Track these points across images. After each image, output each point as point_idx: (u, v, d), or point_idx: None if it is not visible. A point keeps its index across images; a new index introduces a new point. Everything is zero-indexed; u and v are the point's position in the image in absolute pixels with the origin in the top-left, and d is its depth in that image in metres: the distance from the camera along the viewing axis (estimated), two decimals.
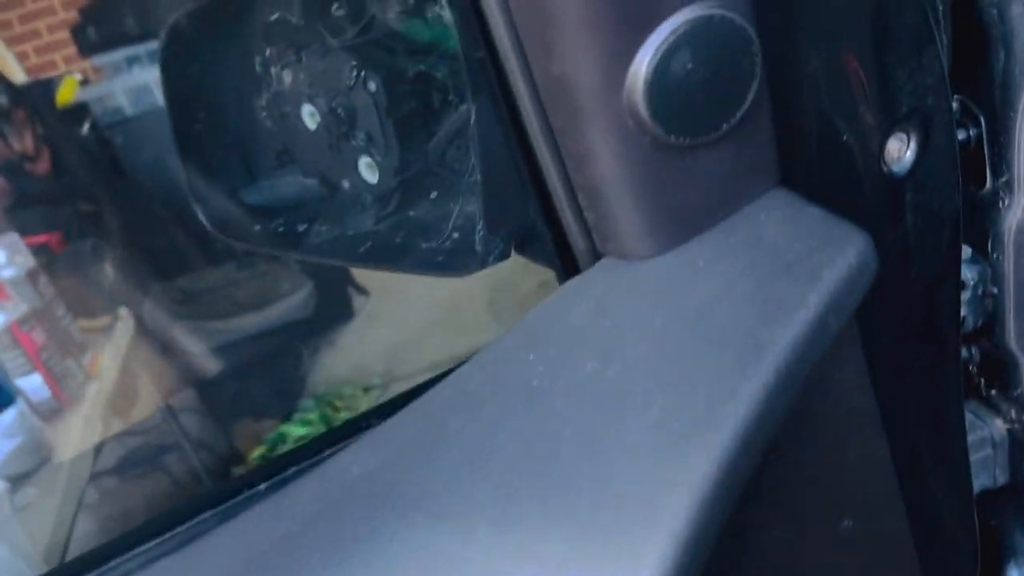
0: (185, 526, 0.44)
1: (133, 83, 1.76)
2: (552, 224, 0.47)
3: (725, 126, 0.39)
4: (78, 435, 1.13)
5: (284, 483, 0.42)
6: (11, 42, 1.90)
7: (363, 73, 0.58)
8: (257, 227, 0.65)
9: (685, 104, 0.38)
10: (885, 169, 0.49)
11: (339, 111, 0.58)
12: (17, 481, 1.03)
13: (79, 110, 1.63)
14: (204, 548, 0.40)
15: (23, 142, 1.51)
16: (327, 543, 0.39)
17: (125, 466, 1.16)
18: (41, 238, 1.23)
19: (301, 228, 0.65)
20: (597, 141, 0.40)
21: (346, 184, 0.62)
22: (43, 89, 1.69)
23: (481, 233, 0.53)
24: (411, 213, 0.59)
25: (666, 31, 0.37)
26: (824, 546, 0.48)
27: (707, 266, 0.42)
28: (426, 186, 0.58)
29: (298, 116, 0.61)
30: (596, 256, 0.46)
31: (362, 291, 1.78)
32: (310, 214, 0.65)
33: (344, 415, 1.58)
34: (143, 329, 1.29)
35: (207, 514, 0.44)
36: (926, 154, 0.49)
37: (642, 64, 0.37)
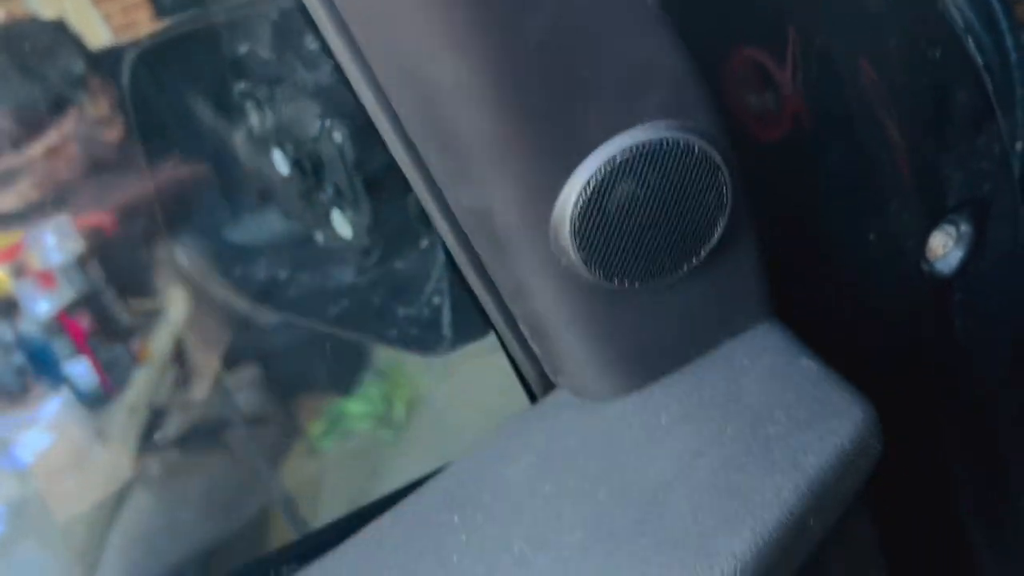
0: None
1: None
2: (504, 349, 0.39)
3: (686, 266, 0.31)
4: (124, 422, 1.14)
5: None
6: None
7: (328, 123, 0.50)
8: (238, 268, 0.59)
9: (628, 246, 0.29)
10: (925, 268, 0.39)
11: (304, 162, 0.52)
12: (55, 475, 1.04)
13: None
14: None
15: (98, 108, 1.50)
16: None
17: (175, 454, 1.16)
18: (94, 219, 1.22)
19: (283, 276, 0.59)
20: (527, 279, 0.32)
21: (320, 237, 0.55)
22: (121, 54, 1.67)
23: (449, 319, 0.46)
24: (389, 274, 0.52)
25: (599, 161, 0.28)
26: None
27: (669, 426, 0.34)
28: (405, 247, 0.51)
29: (270, 160, 0.55)
30: (549, 383, 0.38)
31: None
32: (291, 261, 0.59)
33: (404, 392, 1.55)
34: (197, 312, 1.28)
35: None
36: (981, 250, 0.39)
37: (568, 201, 0.28)
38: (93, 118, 1.45)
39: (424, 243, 0.49)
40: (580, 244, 0.29)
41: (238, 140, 0.55)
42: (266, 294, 0.55)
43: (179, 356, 1.24)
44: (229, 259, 0.57)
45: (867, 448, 0.32)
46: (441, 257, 0.46)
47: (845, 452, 0.32)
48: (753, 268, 0.33)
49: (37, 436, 1.08)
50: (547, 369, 0.36)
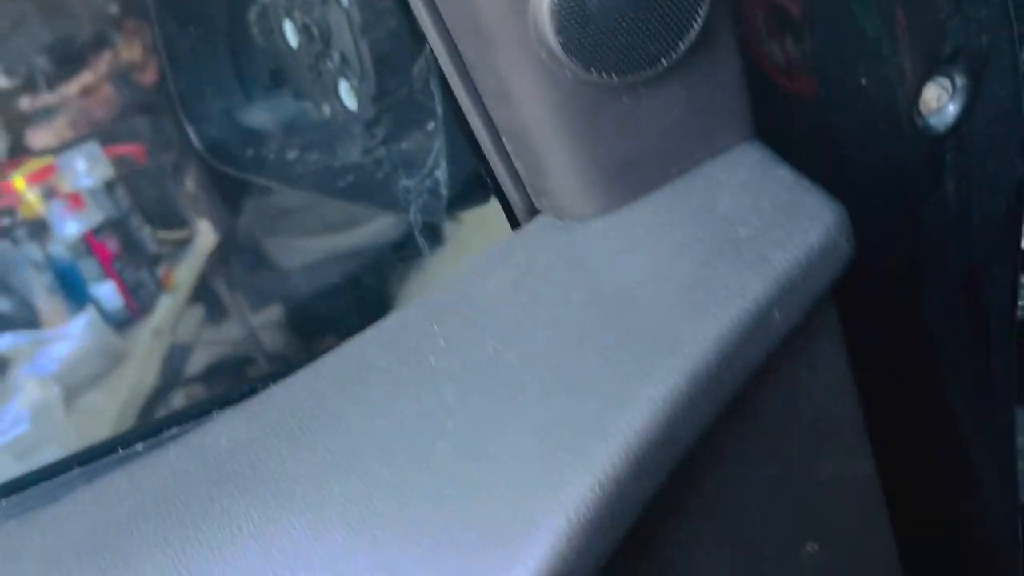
0: (53, 482, 0.41)
1: None
2: (490, 175, 0.40)
3: (664, 61, 0.31)
4: (148, 345, 1.16)
5: (161, 445, 0.38)
6: None
7: None
8: (249, 152, 0.61)
9: (605, 33, 0.30)
10: (919, 122, 0.39)
11: (313, 29, 0.52)
12: (79, 387, 1.06)
13: None
14: (55, 513, 0.36)
15: (132, 51, 1.53)
16: (170, 523, 0.34)
17: (195, 379, 1.18)
18: (125, 148, 1.24)
19: (291, 155, 0.60)
20: (510, 77, 0.32)
21: (327, 109, 0.56)
22: None
23: (446, 175, 0.47)
24: (394, 146, 0.53)
25: None
26: (783, 572, 0.39)
27: (646, 236, 0.34)
28: (409, 117, 0.52)
29: (281, 33, 0.56)
30: (534, 212, 0.38)
31: (455, 219, 1.73)
32: (299, 141, 0.60)
33: None
34: (223, 245, 1.30)
35: (75, 472, 0.41)
36: (976, 105, 0.38)
37: None
38: (127, 60, 1.48)
39: (428, 122, 0.50)
40: (558, 28, 0.29)
41: (251, 15, 0.56)
42: (277, 172, 0.56)
43: (204, 289, 1.26)
44: (242, 141, 0.58)
45: (836, 247, 0.32)
46: (443, 128, 0.47)
47: (813, 250, 0.32)
48: (733, 81, 0.33)
49: (62, 348, 1.10)
50: (530, 191, 0.37)
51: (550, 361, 0.33)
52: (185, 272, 1.22)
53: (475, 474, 0.31)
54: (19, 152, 1.18)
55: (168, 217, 1.28)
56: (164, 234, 1.25)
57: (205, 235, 1.28)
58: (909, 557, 0.44)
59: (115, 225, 1.18)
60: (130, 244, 1.21)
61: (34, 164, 1.18)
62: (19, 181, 1.16)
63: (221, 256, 1.31)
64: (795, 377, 0.36)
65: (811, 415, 0.37)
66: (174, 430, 0.42)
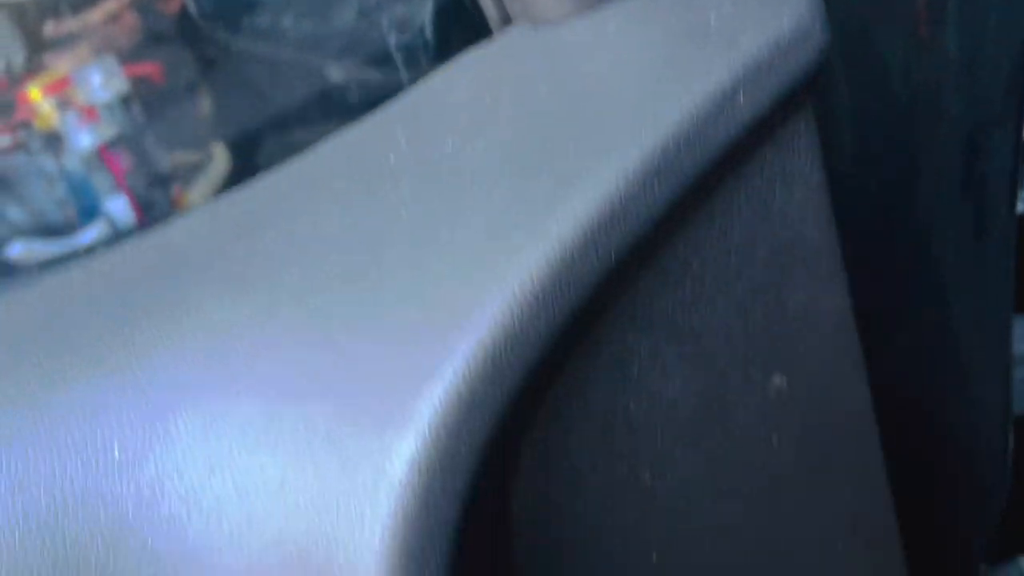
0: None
1: None
2: None
3: None
4: None
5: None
6: None
7: None
8: (244, 20, 0.60)
9: None
10: None
11: None
12: None
13: None
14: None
15: None
16: (124, 312, 0.34)
17: None
18: (143, 67, 1.24)
19: (286, 23, 0.60)
20: None
21: None
22: None
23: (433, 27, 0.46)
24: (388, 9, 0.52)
25: None
26: (749, 403, 0.38)
27: (618, 31, 0.33)
28: None
29: None
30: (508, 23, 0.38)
31: None
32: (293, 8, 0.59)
33: None
34: (237, 171, 1.30)
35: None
36: None
37: None
38: None
39: None
40: None
41: None
42: (272, 39, 0.55)
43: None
44: (241, 8, 0.57)
45: (809, 34, 0.31)
46: None
47: (783, 34, 0.31)
48: None
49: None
50: None
51: (510, 151, 0.32)
52: (198, 194, 1.23)
53: (426, 258, 0.31)
54: (36, 68, 1.18)
55: (183, 139, 1.28)
56: (179, 155, 1.26)
57: (220, 160, 1.29)
58: (885, 429, 0.43)
59: (129, 141, 1.18)
60: (143, 161, 1.21)
61: (49, 76, 1.19)
62: (35, 92, 1.17)
63: (234, 182, 1.32)
64: (767, 192, 0.34)
65: (783, 237, 0.35)
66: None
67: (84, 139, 1.16)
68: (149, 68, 1.25)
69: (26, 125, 1.16)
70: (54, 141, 1.17)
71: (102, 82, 1.17)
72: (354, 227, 0.33)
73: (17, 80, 1.17)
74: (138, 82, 1.20)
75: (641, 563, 0.37)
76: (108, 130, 1.15)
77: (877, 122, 0.42)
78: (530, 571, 0.35)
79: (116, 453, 0.30)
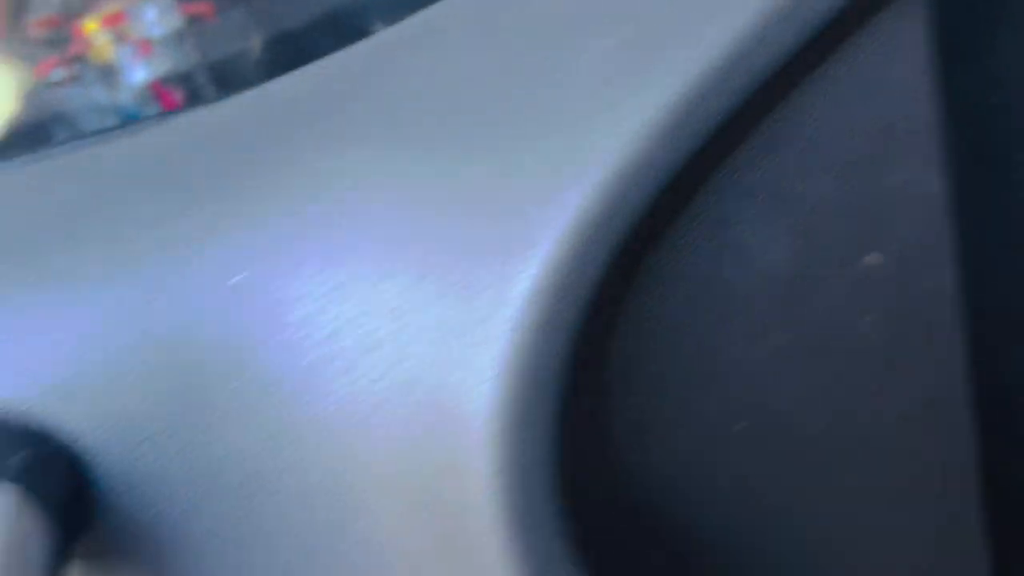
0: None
1: None
2: None
3: None
4: None
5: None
6: None
7: None
8: None
9: None
10: None
11: None
12: None
13: None
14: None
15: None
16: (237, 168, 0.35)
17: None
18: (197, 6, 1.25)
19: None
20: None
21: None
22: None
23: None
24: None
25: None
26: (843, 277, 0.38)
27: None
28: None
29: None
30: None
31: None
32: None
33: None
34: None
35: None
36: None
37: None
38: None
39: None
40: None
41: None
42: None
43: None
44: None
45: None
46: None
47: None
48: None
49: None
50: None
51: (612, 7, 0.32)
52: None
53: (547, 98, 0.31)
54: (91, 3, 1.19)
55: (232, 79, 1.29)
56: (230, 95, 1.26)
57: None
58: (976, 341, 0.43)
59: (182, 77, 1.19)
60: (196, 98, 1.22)
61: (106, 9, 1.19)
62: (91, 24, 1.18)
63: None
64: (874, 63, 0.34)
65: (888, 112, 0.35)
66: None
67: (138, 73, 1.17)
68: (203, 7, 1.26)
69: (80, 58, 1.17)
70: (108, 74, 1.18)
71: (157, 17, 1.18)
72: (469, 76, 0.33)
73: (73, 15, 1.18)
74: (191, 20, 1.21)
75: (730, 435, 0.37)
76: (162, 65, 1.16)
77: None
78: (624, 434, 0.35)
79: (234, 280, 0.31)
